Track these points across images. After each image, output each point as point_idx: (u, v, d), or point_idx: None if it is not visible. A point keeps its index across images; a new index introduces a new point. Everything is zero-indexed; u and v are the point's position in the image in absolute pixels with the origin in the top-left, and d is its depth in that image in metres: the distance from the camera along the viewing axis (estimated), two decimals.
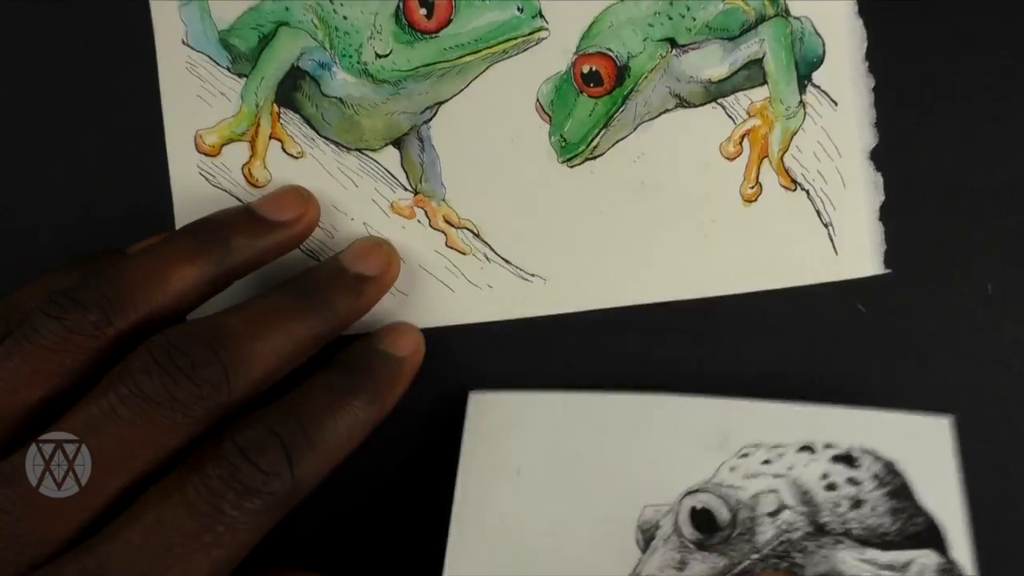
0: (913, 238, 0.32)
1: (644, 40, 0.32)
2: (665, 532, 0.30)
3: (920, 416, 0.30)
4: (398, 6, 0.32)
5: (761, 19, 0.32)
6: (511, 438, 0.31)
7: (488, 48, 0.32)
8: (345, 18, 0.32)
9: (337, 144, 0.33)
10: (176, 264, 0.29)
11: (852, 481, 0.30)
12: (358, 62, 0.33)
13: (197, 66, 0.33)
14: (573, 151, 0.33)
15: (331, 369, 0.29)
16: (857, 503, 0.29)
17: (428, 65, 0.32)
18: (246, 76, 0.33)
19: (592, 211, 0.33)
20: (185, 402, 0.26)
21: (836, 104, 0.32)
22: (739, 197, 0.33)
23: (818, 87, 0.32)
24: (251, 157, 0.33)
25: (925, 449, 0.30)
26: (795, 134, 0.32)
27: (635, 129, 0.33)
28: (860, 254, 0.32)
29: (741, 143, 0.32)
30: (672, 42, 0.32)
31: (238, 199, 0.33)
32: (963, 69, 0.32)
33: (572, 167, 0.33)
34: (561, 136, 0.33)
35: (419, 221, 0.33)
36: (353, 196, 0.33)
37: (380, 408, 0.29)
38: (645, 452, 0.30)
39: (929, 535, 0.29)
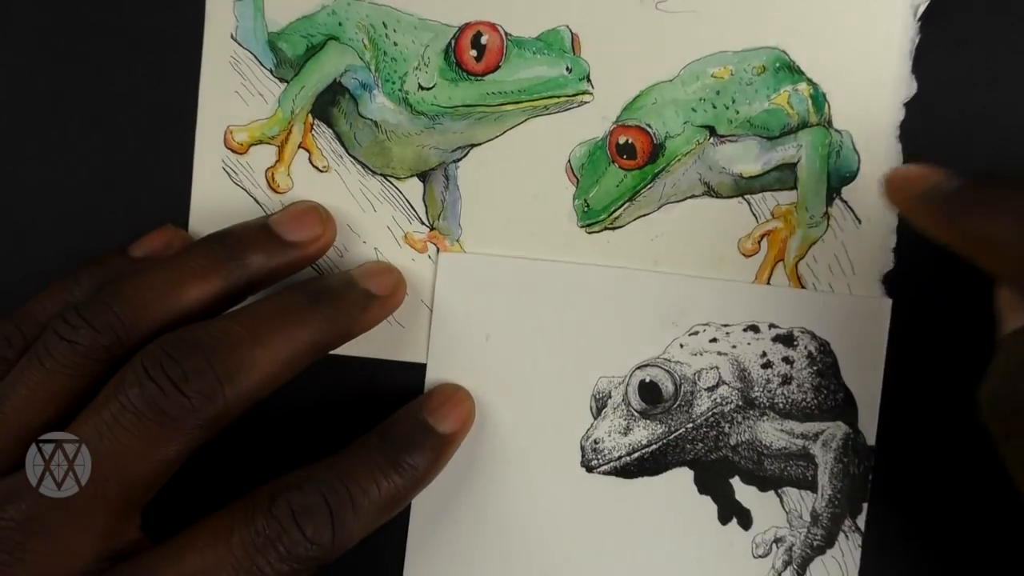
0: (924, 251, 0.32)
1: (684, 123, 0.32)
2: (615, 401, 0.33)
3: (864, 297, 0.32)
4: (450, 43, 0.32)
5: (803, 125, 0.32)
6: (480, 302, 0.33)
7: (530, 101, 0.32)
8: (396, 44, 0.32)
9: (364, 166, 0.33)
10: (190, 282, 0.29)
11: (786, 360, 0.32)
12: (400, 89, 0.33)
13: (241, 62, 0.33)
14: (594, 218, 0.33)
15: (382, 439, 0.29)
16: (787, 380, 0.32)
17: (468, 106, 0.32)
18: (287, 82, 0.33)
19: None
20: (176, 416, 0.26)
21: (860, 222, 0.32)
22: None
23: (846, 202, 0.32)
24: (277, 162, 0.33)
25: (861, 328, 0.32)
26: (814, 243, 0.32)
27: (659, 208, 0.33)
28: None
29: (760, 242, 0.33)
30: (712, 130, 0.32)
31: (256, 200, 0.33)
32: None
33: (590, 233, 0.33)
34: (585, 201, 0.33)
35: (429, 257, 0.33)
36: (370, 220, 0.33)
37: (419, 483, 0.29)
38: (605, 325, 0.33)
39: (844, 409, 0.32)
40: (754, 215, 0.33)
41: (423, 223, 0.33)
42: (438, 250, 0.33)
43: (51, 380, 0.27)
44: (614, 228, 0.33)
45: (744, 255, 0.33)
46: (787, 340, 0.33)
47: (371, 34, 0.33)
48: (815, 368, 0.32)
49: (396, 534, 0.33)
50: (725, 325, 0.33)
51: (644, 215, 0.33)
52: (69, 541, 0.26)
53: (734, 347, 0.33)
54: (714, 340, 0.33)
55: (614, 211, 0.33)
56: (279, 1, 0.33)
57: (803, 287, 0.33)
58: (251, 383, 0.27)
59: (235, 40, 0.33)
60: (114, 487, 0.26)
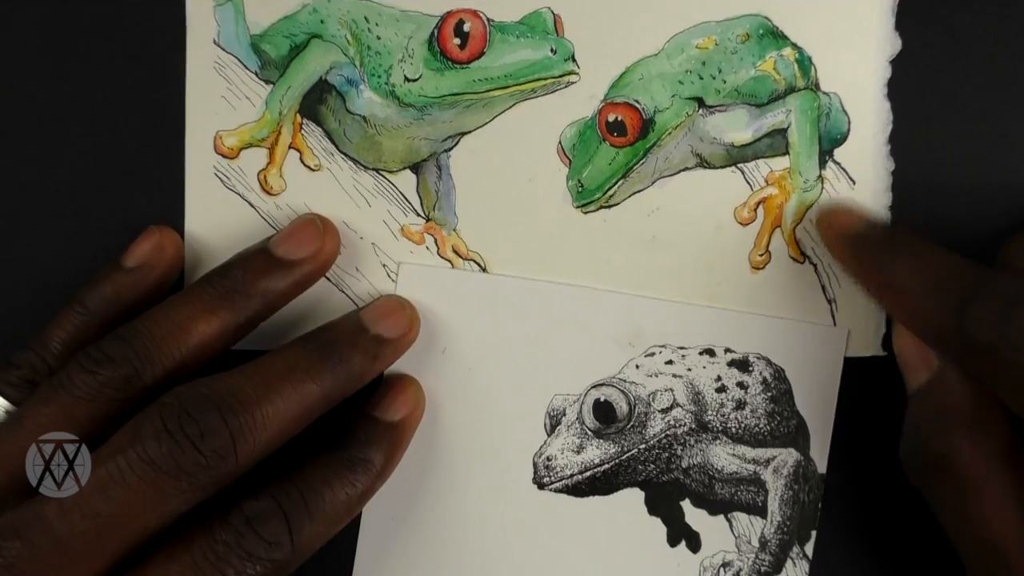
0: (919, 208, 0.32)
1: (672, 96, 0.32)
2: (569, 419, 0.33)
3: (820, 325, 0.32)
4: (433, 33, 0.32)
5: (791, 90, 0.32)
6: (438, 315, 0.33)
7: (517, 85, 0.32)
8: (379, 38, 0.32)
9: (355, 162, 0.33)
10: (200, 318, 0.29)
11: (741, 385, 0.33)
12: (386, 83, 0.33)
13: (225, 67, 0.33)
14: (589, 197, 0.33)
15: (331, 442, 0.30)
16: (740, 405, 0.33)
17: (455, 95, 0.32)
18: (273, 83, 0.33)
19: (600, 259, 0.33)
20: (190, 472, 0.27)
21: (854, 183, 0.32)
22: (747, 263, 0.33)
23: (838, 164, 0.32)
24: (268, 164, 0.33)
25: (817, 356, 0.32)
26: (810, 207, 0.32)
27: (653, 183, 0.33)
28: (860, 334, 0.33)
29: (756, 210, 0.33)
30: (700, 101, 0.32)
31: (251, 204, 0.33)
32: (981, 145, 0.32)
33: (586, 213, 0.33)
34: (579, 181, 0.33)
35: (427, 248, 0.33)
36: (365, 215, 0.33)
37: (378, 477, 0.30)
38: (562, 342, 0.33)
39: (796, 435, 0.33)
40: (748, 183, 0.33)
41: (419, 215, 0.33)
42: (436, 241, 0.33)
43: (73, 406, 0.28)
44: (609, 206, 0.33)
45: (741, 224, 0.33)
46: (742, 365, 0.33)
47: (354, 29, 0.33)
48: (769, 394, 0.33)
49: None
50: (681, 348, 0.33)
51: (639, 191, 0.33)
52: None
53: (689, 370, 0.33)
54: (670, 362, 0.33)
55: (608, 189, 0.33)
56: (259, 3, 0.33)
57: (803, 253, 0.33)
58: (261, 441, 0.28)
59: (218, 45, 0.33)
60: (117, 534, 0.27)
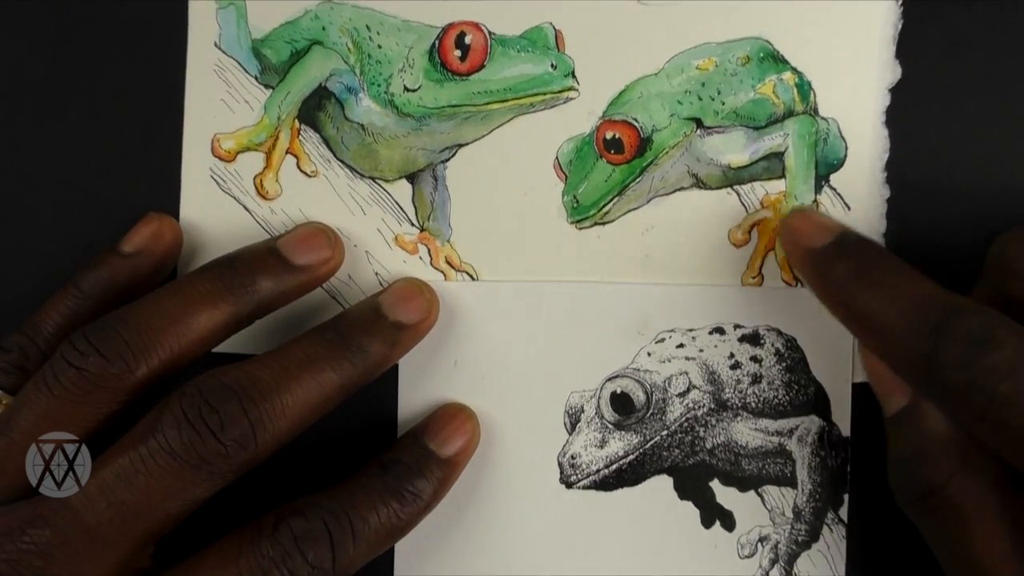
0: (914, 236, 0.32)
1: (671, 116, 0.32)
2: (588, 415, 0.33)
3: None
4: (434, 44, 0.32)
5: (789, 114, 0.32)
6: (445, 329, 0.33)
7: (516, 99, 0.32)
8: (380, 47, 0.32)
9: (352, 169, 0.33)
10: (199, 309, 0.29)
11: (755, 359, 0.33)
12: (385, 92, 0.33)
13: (225, 70, 0.33)
14: (584, 213, 0.33)
15: (384, 468, 0.30)
16: (757, 379, 0.33)
17: (454, 106, 0.32)
18: (272, 88, 0.33)
19: (593, 276, 0.33)
20: (211, 461, 0.27)
21: (849, 208, 0.32)
22: (740, 285, 0.33)
23: (834, 189, 0.32)
24: (265, 169, 0.33)
25: (827, 321, 0.31)
26: None
27: (648, 202, 0.33)
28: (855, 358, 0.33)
29: (750, 232, 0.33)
30: (698, 122, 0.32)
31: (245, 207, 0.33)
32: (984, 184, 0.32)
33: (580, 229, 0.33)
34: (574, 197, 0.33)
35: (420, 258, 0.33)
36: (360, 223, 0.33)
37: (425, 509, 0.30)
38: (571, 340, 0.33)
39: (816, 402, 0.33)
40: (743, 205, 0.33)
41: (413, 224, 0.33)
42: (429, 251, 0.33)
43: (59, 407, 0.28)
44: (604, 223, 0.33)
45: (735, 245, 0.33)
46: (753, 339, 0.33)
47: (355, 37, 0.33)
48: (784, 364, 0.33)
49: (382, 562, 0.33)
50: (690, 330, 0.33)
51: (633, 209, 0.33)
52: (86, 569, 0.27)
53: (701, 351, 0.33)
54: (681, 345, 0.33)
55: (603, 206, 0.33)
56: (262, 7, 0.33)
57: (795, 277, 0.33)
58: (281, 430, 0.28)
59: (219, 48, 0.33)
60: (141, 521, 0.27)
